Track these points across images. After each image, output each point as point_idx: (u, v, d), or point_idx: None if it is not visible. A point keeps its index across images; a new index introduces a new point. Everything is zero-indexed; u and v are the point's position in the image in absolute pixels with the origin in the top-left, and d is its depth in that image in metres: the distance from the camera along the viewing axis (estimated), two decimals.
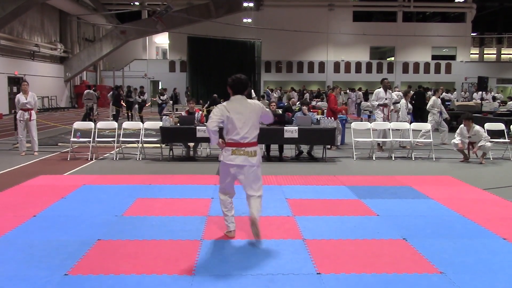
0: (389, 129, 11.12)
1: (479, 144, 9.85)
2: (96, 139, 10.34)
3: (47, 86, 29.73)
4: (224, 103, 4.73)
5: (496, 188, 7.39)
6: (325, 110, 13.84)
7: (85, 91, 20.25)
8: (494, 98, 24.87)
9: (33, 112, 10.74)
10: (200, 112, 11.12)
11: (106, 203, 6.16)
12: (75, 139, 10.34)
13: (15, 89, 26.50)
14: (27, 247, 4.46)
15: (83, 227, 5.10)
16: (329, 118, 10.81)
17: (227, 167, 4.63)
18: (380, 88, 12.22)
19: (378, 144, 11.67)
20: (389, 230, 5.10)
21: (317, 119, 10.74)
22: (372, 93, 13.53)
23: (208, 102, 21.61)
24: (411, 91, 15.79)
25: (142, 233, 4.92)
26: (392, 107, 12.44)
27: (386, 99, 11.91)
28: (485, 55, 46.62)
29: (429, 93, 22.99)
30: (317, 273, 3.90)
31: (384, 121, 11.68)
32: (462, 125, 10.19)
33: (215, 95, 23.05)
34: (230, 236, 4.83)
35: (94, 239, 4.70)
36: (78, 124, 10.98)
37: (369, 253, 4.37)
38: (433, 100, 13.44)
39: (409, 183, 7.59)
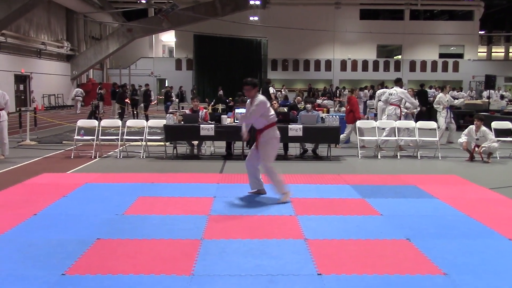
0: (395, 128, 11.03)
1: (483, 145, 9.73)
2: (100, 137, 10.31)
3: (54, 84, 29.84)
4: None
5: (503, 188, 7.29)
6: (331, 109, 13.75)
7: (75, 89, 20.38)
8: (502, 97, 24.65)
9: (2, 113, 9.90)
10: (204, 110, 11.07)
11: (108, 202, 6.12)
12: (79, 137, 10.32)
13: (21, 87, 26.66)
14: (26, 246, 4.42)
15: (83, 226, 5.06)
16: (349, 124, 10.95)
17: (278, 140, 6.39)
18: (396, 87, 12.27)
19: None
20: (392, 230, 5.02)
21: (322, 117, 10.67)
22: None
23: (214, 100, 21.58)
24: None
25: (142, 232, 4.87)
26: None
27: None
28: (493, 54, 46.23)
29: (432, 90, 22.82)
30: (318, 274, 3.83)
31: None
32: (471, 126, 10.06)
33: (220, 93, 22.98)
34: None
35: (94, 238, 4.65)
36: (82, 122, 10.94)
37: (372, 254, 4.29)
38: (438, 97, 13.31)
39: (414, 182, 7.49)
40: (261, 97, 6.23)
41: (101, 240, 4.63)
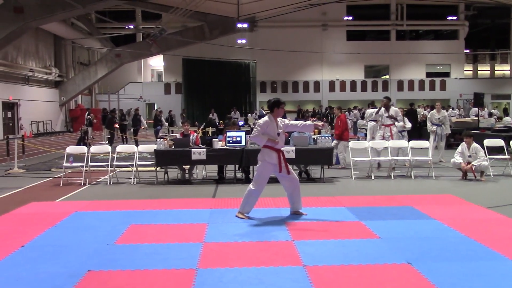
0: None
1: (474, 164, 9.70)
2: (89, 163, 10.13)
3: (42, 110, 29.61)
4: None
5: (499, 206, 7.21)
6: (322, 130, 13.66)
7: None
8: (490, 114, 24.82)
9: None
10: (195, 134, 10.96)
11: (98, 231, 5.93)
12: (68, 164, 10.14)
13: (9, 114, 26.41)
14: (13, 280, 4.23)
15: (72, 258, 4.87)
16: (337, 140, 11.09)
17: None
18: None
19: (379, 163, 11.57)
20: (392, 254, 4.89)
21: (314, 138, 10.58)
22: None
23: (204, 123, 21.49)
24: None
25: (134, 262, 4.69)
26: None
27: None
28: (479, 72, 46.85)
29: (420, 110, 22.87)
30: None
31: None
32: (463, 143, 10.04)
33: (210, 116, 22.95)
34: None
35: (84, 270, 4.47)
36: (70, 149, 10.76)
37: (374, 280, 4.16)
38: (430, 115, 13.38)
39: (410, 203, 7.39)
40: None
41: (92, 272, 4.44)
